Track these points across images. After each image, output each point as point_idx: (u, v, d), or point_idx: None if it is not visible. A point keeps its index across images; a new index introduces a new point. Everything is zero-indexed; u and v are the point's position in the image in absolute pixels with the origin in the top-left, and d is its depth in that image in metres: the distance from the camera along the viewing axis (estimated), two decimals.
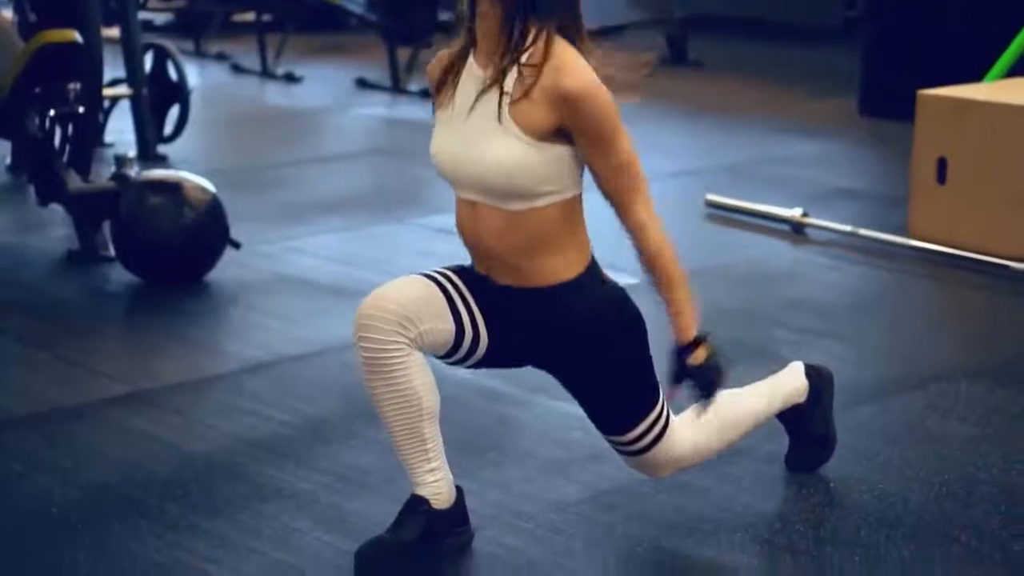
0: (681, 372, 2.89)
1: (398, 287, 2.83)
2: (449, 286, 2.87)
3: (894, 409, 3.77)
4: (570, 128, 2.76)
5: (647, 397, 2.96)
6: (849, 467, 3.39)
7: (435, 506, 2.90)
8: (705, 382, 2.90)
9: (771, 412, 3.26)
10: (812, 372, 3.34)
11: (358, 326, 2.79)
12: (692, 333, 2.87)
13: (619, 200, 2.82)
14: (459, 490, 2.98)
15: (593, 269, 2.90)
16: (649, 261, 2.85)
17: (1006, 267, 4.93)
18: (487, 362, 2.95)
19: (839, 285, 4.89)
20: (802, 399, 3.30)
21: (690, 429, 3.08)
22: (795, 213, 5.50)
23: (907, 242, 5.25)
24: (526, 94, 2.74)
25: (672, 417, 3.03)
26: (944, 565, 2.93)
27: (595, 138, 2.76)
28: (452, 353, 2.90)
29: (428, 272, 2.90)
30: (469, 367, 2.98)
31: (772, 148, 7.08)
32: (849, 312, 4.59)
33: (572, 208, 2.84)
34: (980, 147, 5.17)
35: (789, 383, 3.30)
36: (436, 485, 2.91)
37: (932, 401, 3.82)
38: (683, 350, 2.88)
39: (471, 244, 2.91)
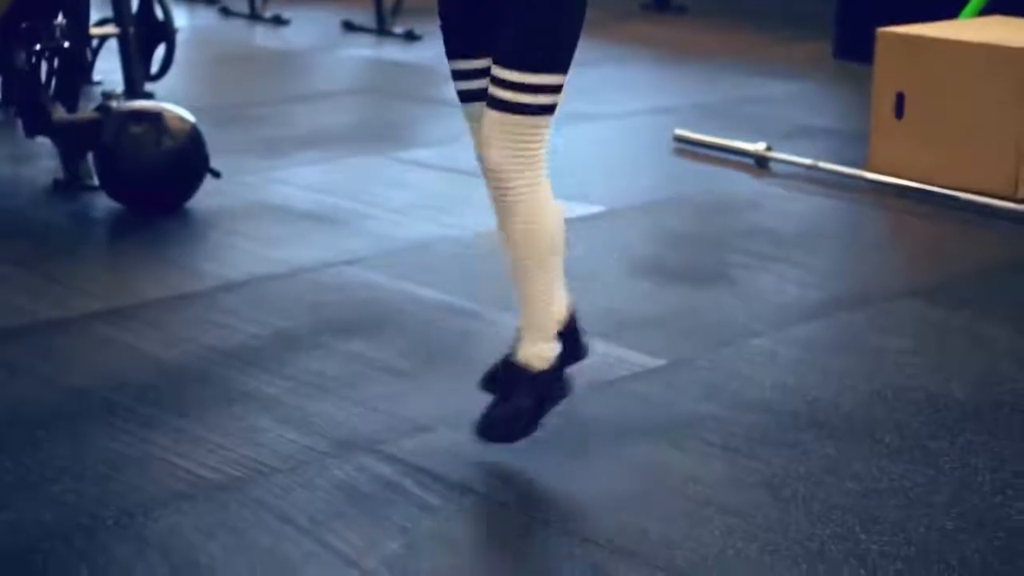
0: None
1: None
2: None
3: (836, 325, 3.97)
4: None
5: (562, 53, 2.99)
6: (786, 376, 3.58)
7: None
8: None
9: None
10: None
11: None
12: None
13: None
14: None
15: None
16: None
17: (955, 198, 5.12)
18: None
19: (795, 215, 5.06)
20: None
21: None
22: (759, 147, 5.67)
23: (864, 175, 5.42)
24: None
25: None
26: (866, 461, 3.12)
27: None
28: None
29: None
30: None
31: (744, 89, 7.23)
32: (802, 239, 4.76)
33: None
34: (936, 83, 5.34)
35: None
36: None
37: (873, 318, 4.01)
38: None
39: None
